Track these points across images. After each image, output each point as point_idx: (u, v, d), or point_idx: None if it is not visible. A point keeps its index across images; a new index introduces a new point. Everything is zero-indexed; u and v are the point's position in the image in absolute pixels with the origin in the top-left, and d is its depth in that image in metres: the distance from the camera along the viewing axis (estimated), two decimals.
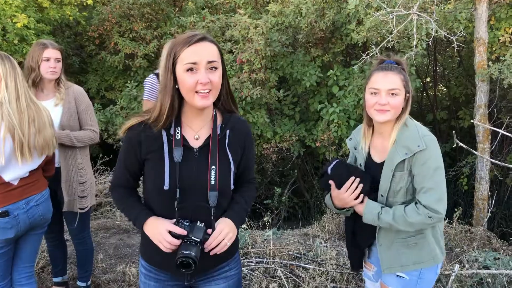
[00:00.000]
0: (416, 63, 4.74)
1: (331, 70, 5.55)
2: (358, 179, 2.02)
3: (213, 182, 1.66)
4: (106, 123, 6.42)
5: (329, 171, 2.10)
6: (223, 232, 1.64)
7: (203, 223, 1.64)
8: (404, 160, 1.94)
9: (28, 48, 6.14)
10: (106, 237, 4.60)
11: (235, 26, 5.84)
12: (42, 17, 6.91)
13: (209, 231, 1.65)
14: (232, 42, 5.98)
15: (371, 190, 2.04)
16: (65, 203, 3.02)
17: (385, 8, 4.54)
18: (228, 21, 6.18)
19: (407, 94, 2.00)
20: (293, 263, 3.84)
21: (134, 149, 1.69)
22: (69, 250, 3.51)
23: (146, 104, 3.95)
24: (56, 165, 2.96)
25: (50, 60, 2.90)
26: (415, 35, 4.39)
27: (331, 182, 2.09)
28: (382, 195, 2.01)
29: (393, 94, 1.95)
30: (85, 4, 7.65)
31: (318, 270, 3.65)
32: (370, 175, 2.05)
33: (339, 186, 2.05)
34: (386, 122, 2.00)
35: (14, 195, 2.45)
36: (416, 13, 4.32)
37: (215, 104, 1.73)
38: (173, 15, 7.38)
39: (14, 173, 2.43)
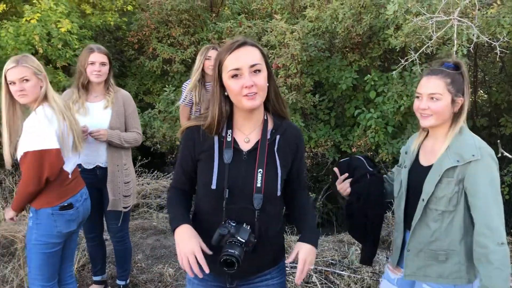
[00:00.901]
0: None
1: (368, 75, 5.50)
2: (346, 174, 2.19)
3: (259, 185, 1.69)
4: (144, 126, 6.57)
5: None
6: (307, 263, 1.66)
7: (249, 226, 1.67)
8: (455, 167, 1.89)
9: (71, 53, 6.36)
10: (144, 238, 4.70)
11: (271, 32, 5.88)
12: (85, 23, 7.14)
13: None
14: (268, 47, 6.01)
15: (363, 189, 2.16)
16: (110, 202, 3.14)
17: (424, 14, 4.47)
18: (264, 27, 6.22)
19: (458, 99, 1.95)
20: (328, 269, 3.82)
21: (189, 149, 1.77)
22: (108, 250, 3.61)
23: (182, 109, 4.07)
24: (102, 165, 3.10)
25: (95, 64, 3.03)
26: (455, 41, 4.30)
27: (335, 169, 2.26)
28: (423, 199, 1.96)
29: (433, 98, 1.92)
30: (125, 10, 7.87)
31: (354, 277, 3.63)
32: (368, 170, 2.19)
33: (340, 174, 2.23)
34: (439, 126, 1.97)
35: (71, 188, 2.60)
36: (457, 19, 4.23)
37: (266, 108, 1.77)
38: (210, 21, 7.49)
39: (70, 166, 2.60)
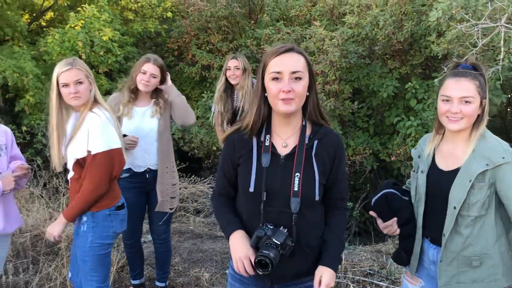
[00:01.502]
0: (502, 77, 4.49)
1: (409, 83, 5.40)
2: (395, 219, 2.07)
3: (296, 189, 1.70)
4: (183, 131, 6.67)
5: (372, 202, 2.14)
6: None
7: (286, 229, 1.69)
8: (485, 171, 1.83)
9: (113, 59, 6.54)
10: (181, 241, 4.76)
11: (310, 38, 5.86)
12: (127, 30, 7.33)
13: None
14: (307, 53, 6.00)
15: (411, 218, 2.07)
16: (158, 203, 3.25)
17: (468, 20, 4.36)
18: (303, 33, 6.21)
19: (483, 101, 1.89)
20: (365, 279, 3.76)
21: (230, 154, 1.83)
22: (146, 252, 3.67)
23: (215, 117, 4.22)
24: (153, 168, 3.20)
25: (146, 74, 3.13)
26: (502, 48, 4.16)
27: (372, 213, 2.13)
28: (455, 207, 1.89)
29: (466, 102, 1.86)
30: (165, 17, 8.04)
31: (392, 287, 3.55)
32: (410, 206, 2.08)
33: (380, 217, 2.12)
34: (463, 130, 1.91)
35: (119, 188, 2.69)
36: (504, 25, 4.10)
37: (304, 114, 1.78)
38: (248, 28, 7.54)
39: None
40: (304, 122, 1.78)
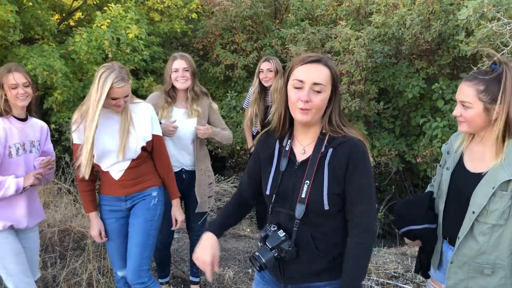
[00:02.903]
0: None
1: (436, 84, 5.30)
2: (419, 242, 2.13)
3: (303, 196, 1.72)
4: None
5: (400, 232, 2.17)
6: None
7: (284, 233, 1.74)
8: (509, 181, 1.78)
9: (139, 57, 6.61)
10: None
11: (335, 38, 5.81)
12: (153, 30, 7.41)
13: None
14: (332, 53, 5.95)
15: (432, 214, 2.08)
16: (198, 205, 3.34)
17: (500, 19, 4.25)
18: (328, 33, 6.16)
19: (492, 106, 1.82)
20: (390, 282, 3.71)
21: (257, 156, 1.94)
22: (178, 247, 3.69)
23: (246, 112, 4.29)
24: (187, 169, 3.25)
25: (178, 71, 3.17)
26: None
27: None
28: (473, 212, 1.85)
29: (464, 106, 1.88)
30: (190, 18, 8.09)
31: None
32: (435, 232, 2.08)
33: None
34: (489, 133, 1.87)
35: None
36: None
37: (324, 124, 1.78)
38: (274, 27, 7.52)
39: None
40: (323, 130, 1.77)
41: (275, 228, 1.75)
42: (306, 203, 1.70)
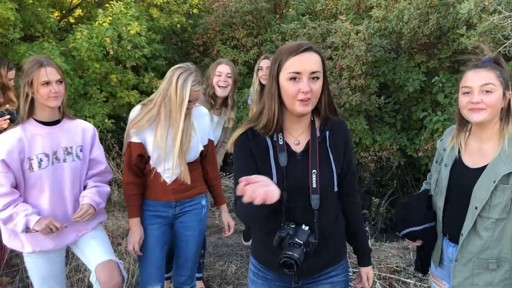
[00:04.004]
0: None
1: (436, 77, 5.29)
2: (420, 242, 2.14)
3: (314, 186, 1.70)
4: None
5: (401, 234, 2.18)
6: (370, 281, 1.98)
7: (308, 227, 1.68)
8: (510, 173, 1.78)
9: (139, 53, 6.60)
10: (206, 236, 4.79)
11: (335, 33, 5.80)
12: (153, 25, 7.40)
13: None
14: (332, 48, 5.94)
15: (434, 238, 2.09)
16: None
17: (501, 12, 4.24)
18: (329, 28, 6.15)
19: (508, 93, 1.83)
20: (392, 276, 3.71)
21: (248, 151, 1.76)
22: None
23: (251, 110, 4.27)
24: None
25: (221, 75, 3.18)
26: None
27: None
28: (476, 207, 1.84)
29: (486, 91, 1.80)
30: (190, 13, 8.07)
31: (420, 285, 3.50)
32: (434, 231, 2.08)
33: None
34: (487, 125, 1.85)
35: None
36: None
37: (313, 111, 1.77)
38: (274, 22, 7.51)
39: None
40: (312, 117, 1.79)
41: (294, 225, 1.69)
42: (319, 192, 1.70)
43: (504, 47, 4.28)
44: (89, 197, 2.44)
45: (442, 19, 5.28)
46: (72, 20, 7.86)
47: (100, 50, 6.09)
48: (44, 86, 2.26)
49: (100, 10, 6.37)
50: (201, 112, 2.66)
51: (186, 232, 2.68)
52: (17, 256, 3.88)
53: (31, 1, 6.00)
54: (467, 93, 1.86)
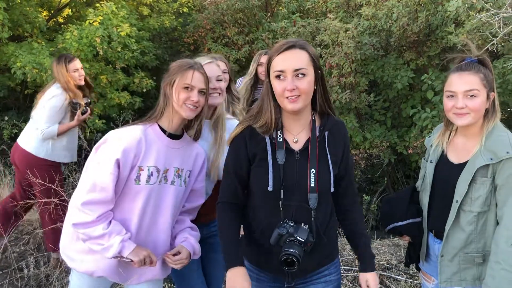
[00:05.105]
0: None
1: (425, 75, 5.32)
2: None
3: (312, 185, 1.70)
4: None
5: (386, 229, 2.20)
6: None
7: (307, 225, 1.70)
8: (488, 165, 1.80)
9: (129, 54, 6.56)
10: None
11: (325, 31, 5.81)
12: (143, 25, 7.37)
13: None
14: (322, 46, 5.95)
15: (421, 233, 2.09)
16: None
17: (489, 9, 4.26)
18: (319, 26, 6.15)
19: (491, 94, 1.86)
20: (383, 273, 3.74)
21: (242, 152, 1.78)
22: None
23: None
24: None
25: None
26: None
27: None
28: (457, 201, 1.87)
29: (471, 96, 1.82)
30: (181, 12, 8.05)
31: (411, 282, 3.53)
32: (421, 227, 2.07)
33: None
34: (473, 125, 1.88)
35: None
36: None
37: (313, 108, 1.77)
38: (265, 20, 7.51)
39: None
40: (313, 116, 1.79)
41: (293, 223, 1.69)
42: (317, 191, 1.71)
43: (492, 44, 4.31)
44: (191, 243, 2.10)
45: (431, 17, 5.31)
46: (61, 20, 7.81)
47: (90, 51, 6.06)
48: (184, 91, 1.95)
49: (90, 9, 6.34)
50: (233, 126, 2.28)
51: (214, 255, 2.47)
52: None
53: (19, 1, 5.96)
54: (452, 96, 1.88)
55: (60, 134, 3.77)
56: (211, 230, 2.41)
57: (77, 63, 3.84)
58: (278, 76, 1.65)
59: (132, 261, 1.89)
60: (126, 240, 1.89)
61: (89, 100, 3.94)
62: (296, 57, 1.65)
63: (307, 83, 1.65)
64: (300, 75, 1.64)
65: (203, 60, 2.26)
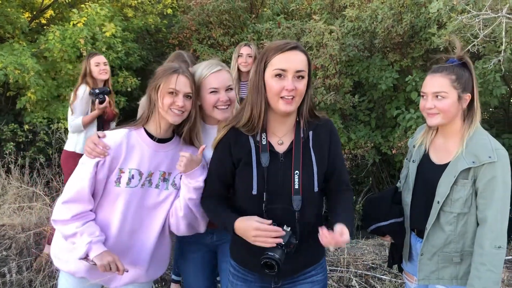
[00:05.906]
0: (504, 68, 4.46)
1: (409, 76, 5.37)
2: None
3: (296, 187, 1.71)
4: None
5: (369, 230, 2.19)
6: (345, 237, 1.57)
7: (289, 228, 1.68)
8: (470, 168, 1.84)
9: (114, 55, 6.51)
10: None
11: (309, 32, 5.83)
12: (127, 26, 7.32)
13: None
14: (307, 48, 5.97)
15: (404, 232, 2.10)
16: None
17: (469, 11, 4.33)
18: (303, 27, 6.18)
19: (465, 95, 1.89)
20: (368, 273, 3.76)
21: (225, 154, 1.78)
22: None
23: None
24: None
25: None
26: (503, 39, 4.13)
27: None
28: (438, 202, 1.91)
29: (438, 96, 1.87)
30: (165, 13, 8.02)
31: (395, 281, 3.55)
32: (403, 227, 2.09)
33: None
34: (448, 125, 1.92)
35: None
36: (506, 16, 4.07)
37: (298, 111, 1.77)
38: (250, 22, 7.52)
39: None
40: (297, 118, 1.79)
41: (276, 225, 1.68)
42: (301, 193, 1.70)
43: (473, 45, 4.37)
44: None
45: (415, 19, 5.36)
46: (43, 21, 7.72)
47: (74, 51, 6.00)
48: (169, 95, 1.91)
49: (74, 10, 6.28)
50: None
51: (225, 266, 2.21)
52: None
53: (0, 2, 5.88)
54: (423, 97, 1.95)
55: (86, 125, 3.86)
56: (221, 237, 2.27)
57: (98, 58, 4.00)
58: (278, 75, 1.64)
59: (95, 264, 1.85)
60: (96, 242, 1.85)
61: (108, 89, 4.02)
62: (299, 59, 1.66)
63: (304, 86, 1.67)
64: (300, 77, 1.65)
65: (211, 67, 2.07)
